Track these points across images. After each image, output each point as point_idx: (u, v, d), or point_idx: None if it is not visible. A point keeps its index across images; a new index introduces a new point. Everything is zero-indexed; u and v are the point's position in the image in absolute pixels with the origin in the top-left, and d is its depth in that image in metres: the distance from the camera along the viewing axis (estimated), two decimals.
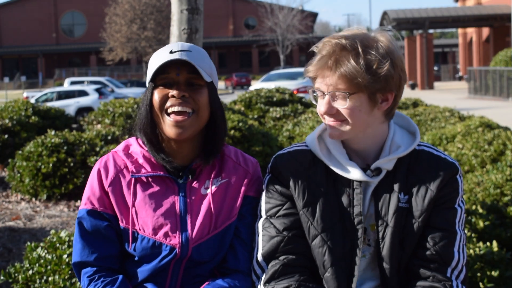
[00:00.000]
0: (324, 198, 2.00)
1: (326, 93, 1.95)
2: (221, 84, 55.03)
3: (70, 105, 22.09)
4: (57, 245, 3.24)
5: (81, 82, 33.62)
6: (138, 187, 2.07)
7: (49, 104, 18.38)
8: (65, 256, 3.10)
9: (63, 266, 3.06)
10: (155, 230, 2.02)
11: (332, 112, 1.95)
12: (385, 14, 41.04)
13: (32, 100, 22.16)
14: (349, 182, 2.00)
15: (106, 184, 2.07)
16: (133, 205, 2.05)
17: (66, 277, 3.01)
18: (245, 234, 2.09)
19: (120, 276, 2.03)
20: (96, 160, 6.74)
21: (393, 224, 1.95)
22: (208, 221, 2.06)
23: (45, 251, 3.24)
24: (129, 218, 2.04)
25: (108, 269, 2.04)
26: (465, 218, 3.87)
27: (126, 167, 2.10)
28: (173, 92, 2.02)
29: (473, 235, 3.53)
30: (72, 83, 34.37)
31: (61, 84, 44.06)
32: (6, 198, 7.25)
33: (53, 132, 7.35)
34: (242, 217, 2.10)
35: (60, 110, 12.75)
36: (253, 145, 7.00)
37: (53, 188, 6.91)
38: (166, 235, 2.02)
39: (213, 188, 2.09)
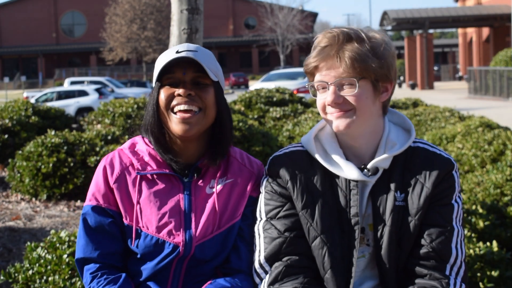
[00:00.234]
0: (322, 199, 2.00)
1: (331, 83, 1.93)
2: None
3: (70, 105, 22.09)
4: (57, 245, 3.24)
5: (81, 82, 33.62)
6: (144, 184, 2.08)
7: (49, 104, 18.37)
8: (65, 256, 3.10)
9: (63, 266, 3.06)
10: (159, 228, 2.03)
11: (339, 101, 1.93)
12: (385, 14, 41.04)
13: (32, 100, 22.16)
14: (346, 183, 2.00)
15: (111, 180, 2.08)
16: (138, 202, 2.06)
17: (66, 277, 3.01)
18: (248, 235, 2.10)
19: (123, 275, 2.03)
20: (96, 160, 6.79)
21: (390, 223, 1.95)
22: (212, 220, 2.06)
23: (45, 251, 3.23)
24: (133, 215, 2.05)
25: (111, 267, 2.05)
26: (465, 218, 3.87)
27: (132, 164, 2.11)
28: (179, 91, 2.03)
29: (473, 235, 3.53)
30: (72, 83, 34.37)
31: (61, 84, 44.07)
32: (6, 198, 7.25)
33: (53, 132, 7.35)
34: (246, 218, 2.11)
35: (60, 110, 12.75)
36: (253, 145, 7.00)
37: (53, 188, 6.91)
38: (169, 233, 2.03)
39: (219, 187, 2.10)
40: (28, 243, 3.38)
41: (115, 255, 2.06)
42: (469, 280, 3.13)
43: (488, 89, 29.43)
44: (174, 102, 2.04)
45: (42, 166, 6.82)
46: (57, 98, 23.17)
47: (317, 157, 2.03)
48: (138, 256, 2.06)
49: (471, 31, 48.17)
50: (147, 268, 2.04)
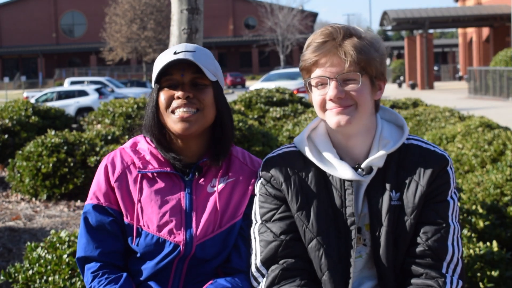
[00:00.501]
0: (317, 200, 1.98)
1: (332, 78, 1.91)
2: None
3: (70, 105, 22.09)
4: (57, 245, 3.24)
5: (81, 82, 33.62)
6: (145, 183, 2.08)
7: (49, 104, 18.36)
8: (65, 256, 3.09)
9: (63, 266, 3.06)
10: (160, 227, 2.03)
11: (342, 95, 1.92)
12: (385, 14, 41.03)
13: (32, 100, 22.15)
14: (340, 183, 1.98)
15: (112, 179, 2.08)
16: (139, 201, 2.06)
17: (66, 277, 3.01)
18: (249, 234, 2.08)
19: (124, 274, 2.03)
20: (96, 160, 6.79)
21: (387, 223, 1.94)
22: (213, 219, 2.06)
23: (45, 251, 3.23)
24: (134, 214, 2.05)
25: (112, 266, 2.05)
26: (465, 218, 3.87)
27: (133, 163, 2.11)
28: (178, 93, 2.04)
29: (473, 235, 3.53)
30: (72, 83, 34.37)
31: (61, 84, 44.07)
32: (6, 198, 7.25)
33: (53, 132, 7.35)
34: (247, 217, 2.10)
35: (60, 110, 12.75)
36: (253, 145, 7.00)
37: (53, 188, 6.91)
38: (170, 232, 2.03)
39: (220, 186, 2.10)
40: (28, 243, 3.37)
41: (116, 254, 2.06)
42: (469, 280, 3.13)
43: (488, 89, 29.42)
44: (173, 105, 2.05)
45: (42, 166, 6.82)
46: (57, 98, 23.17)
47: (311, 157, 2.01)
48: (138, 255, 2.06)
49: (471, 31, 48.16)
50: (147, 268, 2.04)
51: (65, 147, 6.98)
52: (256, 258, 2.01)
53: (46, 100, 22.74)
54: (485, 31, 44.90)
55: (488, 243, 3.38)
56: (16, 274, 3.19)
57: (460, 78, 50.05)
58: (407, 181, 1.97)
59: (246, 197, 2.12)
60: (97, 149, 7.08)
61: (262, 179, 2.07)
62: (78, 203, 6.79)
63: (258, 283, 2.00)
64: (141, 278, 2.05)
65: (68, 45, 71.70)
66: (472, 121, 7.70)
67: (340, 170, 1.97)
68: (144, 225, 2.04)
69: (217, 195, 2.08)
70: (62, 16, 73.10)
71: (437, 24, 42.20)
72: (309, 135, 2.08)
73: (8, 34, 71.37)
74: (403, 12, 40.51)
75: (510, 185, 5.02)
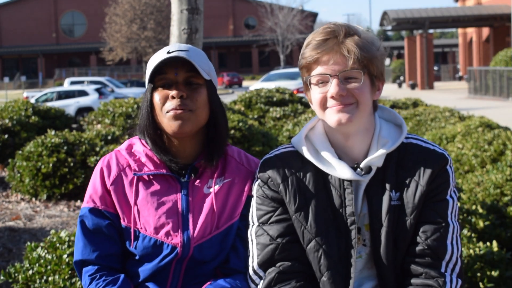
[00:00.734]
0: (315, 201, 1.97)
1: (334, 75, 1.90)
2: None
3: (70, 105, 22.08)
4: (57, 245, 3.24)
5: (81, 82, 33.61)
6: (141, 185, 2.08)
7: (49, 104, 18.36)
8: (65, 256, 3.10)
9: (63, 266, 3.06)
10: (157, 229, 2.03)
11: (343, 93, 1.90)
12: (385, 14, 41.03)
13: (32, 100, 22.15)
14: (339, 182, 1.97)
15: (108, 182, 2.08)
16: (135, 204, 2.05)
17: (66, 277, 3.01)
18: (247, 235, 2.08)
19: (122, 276, 2.03)
20: (96, 160, 6.79)
21: (387, 223, 1.93)
22: (210, 220, 2.05)
23: (45, 251, 3.23)
24: (131, 216, 2.05)
25: (109, 268, 2.04)
26: (465, 218, 3.87)
27: (129, 165, 2.10)
28: (172, 92, 2.03)
29: (473, 235, 3.53)
30: (72, 83, 34.35)
31: (61, 84, 44.05)
32: (6, 198, 7.25)
33: (53, 132, 7.35)
34: (244, 218, 2.09)
35: (60, 110, 12.74)
36: (253, 145, 7.00)
37: (53, 188, 6.91)
38: (167, 234, 2.02)
39: (216, 187, 2.09)
40: (28, 243, 3.37)
41: (113, 257, 2.05)
42: (469, 280, 3.13)
43: (488, 89, 29.42)
44: (167, 106, 2.04)
45: (42, 166, 6.82)
46: (57, 98, 23.16)
47: (309, 157, 2.00)
48: (137, 257, 2.05)
49: (471, 31, 48.16)
50: (146, 269, 2.04)
51: (65, 147, 6.98)
52: (254, 260, 2.00)
53: (46, 100, 22.74)
54: (485, 31, 44.90)
55: (488, 243, 3.38)
56: (16, 274, 3.19)
57: (460, 78, 50.04)
58: (407, 181, 1.96)
59: (243, 197, 2.10)
60: (97, 149, 7.08)
61: (259, 180, 2.05)
62: (78, 203, 6.79)
63: (256, 285, 1.99)
64: (140, 280, 2.05)
65: (68, 45, 71.71)
66: (472, 121, 7.70)
67: (338, 170, 1.96)
68: (141, 228, 2.04)
69: (214, 196, 2.07)
70: (62, 16, 73.10)
71: (437, 24, 42.20)
72: (307, 135, 2.06)
73: (8, 34, 71.37)
74: (403, 12, 40.51)
75: (510, 185, 5.02)
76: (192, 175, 2.10)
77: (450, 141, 7.29)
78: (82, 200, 6.80)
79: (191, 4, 3.94)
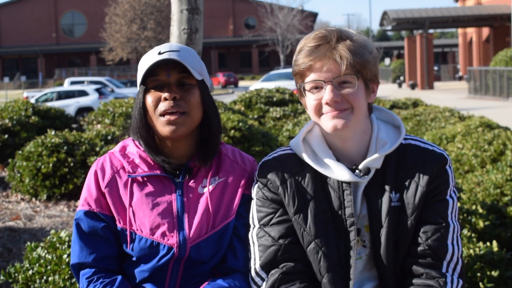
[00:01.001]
0: (314, 203, 1.97)
1: (328, 81, 1.90)
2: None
3: (70, 105, 22.08)
4: (57, 245, 3.24)
5: (81, 82, 33.60)
6: (135, 187, 2.07)
7: (49, 104, 18.37)
8: (65, 256, 3.10)
9: (63, 266, 3.06)
10: (153, 230, 2.02)
11: (337, 99, 1.90)
12: (385, 14, 41.03)
13: (32, 100, 22.15)
14: (338, 184, 1.97)
15: (102, 185, 2.07)
16: (130, 205, 2.05)
17: (66, 277, 3.01)
18: (244, 233, 2.08)
19: (119, 277, 2.03)
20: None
21: (387, 224, 1.93)
22: (205, 220, 2.05)
23: (45, 251, 3.24)
24: (126, 218, 2.04)
25: (106, 270, 2.04)
26: (465, 218, 3.87)
27: (123, 167, 2.10)
28: (164, 94, 2.02)
29: (473, 235, 3.53)
30: (72, 83, 34.34)
31: (61, 84, 44.04)
32: (6, 198, 7.25)
33: (53, 132, 7.35)
34: (240, 216, 2.09)
35: (60, 110, 12.75)
36: (253, 145, 7.00)
37: (53, 188, 6.91)
38: (163, 234, 2.02)
39: (211, 187, 2.09)
40: (28, 243, 3.38)
41: (110, 259, 2.05)
42: (469, 280, 3.13)
43: (488, 89, 29.42)
44: (160, 107, 2.03)
45: (42, 166, 6.82)
46: (57, 98, 23.16)
47: (307, 159, 2.00)
48: (134, 258, 2.05)
49: (471, 31, 48.16)
50: (143, 270, 2.04)
51: (65, 147, 6.98)
52: (255, 262, 2.00)
53: (46, 100, 22.74)
54: (485, 31, 44.90)
55: (488, 243, 3.38)
56: (16, 274, 3.19)
57: (460, 78, 50.04)
58: (406, 182, 1.96)
59: (238, 196, 2.10)
60: (97, 149, 7.08)
61: (258, 183, 2.05)
62: (78, 203, 6.79)
63: (258, 287, 1.99)
64: (137, 281, 2.05)
65: (68, 45, 71.71)
66: (472, 121, 7.70)
67: (336, 172, 1.96)
68: (137, 229, 2.03)
69: (209, 195, 2.07)
70: (62, 16, 73.10)
71: (437, 24, 42.19)
72: (305, 137, 2.06)
73: (8, 34, 71.36)
74: (403, 12, 40.51)
75: (510, 185, 5.02)
76: (187, 175, 2.10)
77: (450, 141, 7.29)
78: None
79: (191, 4, 3.94)
